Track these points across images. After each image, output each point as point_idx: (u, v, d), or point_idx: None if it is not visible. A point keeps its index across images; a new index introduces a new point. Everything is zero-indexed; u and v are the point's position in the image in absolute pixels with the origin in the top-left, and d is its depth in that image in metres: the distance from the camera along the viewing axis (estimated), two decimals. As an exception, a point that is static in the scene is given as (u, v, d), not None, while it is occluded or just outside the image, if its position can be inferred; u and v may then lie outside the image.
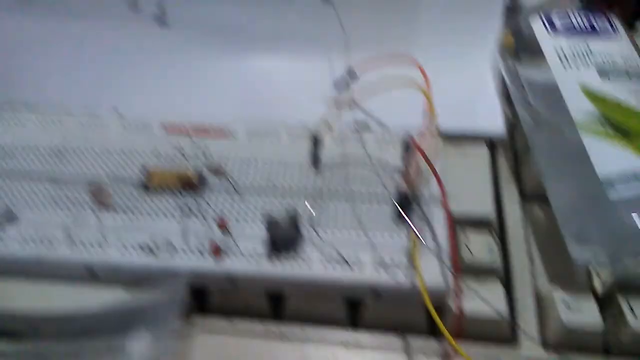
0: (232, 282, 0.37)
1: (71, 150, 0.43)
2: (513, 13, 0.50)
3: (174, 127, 0.44)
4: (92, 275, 0.37)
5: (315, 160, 0.41)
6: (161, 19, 0.48)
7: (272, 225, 0.37)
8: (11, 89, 0.46)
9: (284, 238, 0.36)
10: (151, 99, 0.46)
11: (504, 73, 0.48)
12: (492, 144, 0.46)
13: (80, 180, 0.41)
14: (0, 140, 0.43)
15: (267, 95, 0.47)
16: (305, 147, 0.43)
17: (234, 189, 0.40)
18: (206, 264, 0.37)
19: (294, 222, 0.37)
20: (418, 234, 0.37)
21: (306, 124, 0.45)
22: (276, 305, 0.39)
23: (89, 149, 0.43)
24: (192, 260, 0.37)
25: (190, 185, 0.39)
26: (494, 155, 0.46)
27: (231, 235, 0.38)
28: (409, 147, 0.40)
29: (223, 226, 0.37)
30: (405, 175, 0.40)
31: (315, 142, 0.41)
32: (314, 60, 0.48)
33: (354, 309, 0.38)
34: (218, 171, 0.41)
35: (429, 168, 0.39)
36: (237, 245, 0.37)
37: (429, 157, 0.39)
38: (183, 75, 0.48)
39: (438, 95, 0.43)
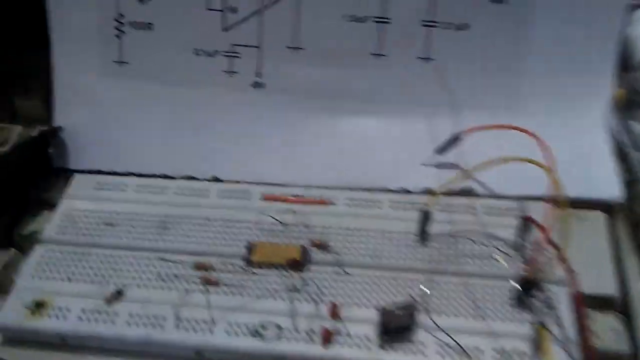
0: (341, 369, 0.36)
1: (174, 221, 0.43)
2: (625, 70, 0.47)
3: (274, 196, 0.44)
4: (200, 358, 0.37)
5: (423, 234, 0.40)
6: (257, 83, 0.48)
7: (385, 313, 0.35)
8: (112, 157, 0.47)
9: (398, 326, 0.35)
10: (249, 165, 0.46)
11: (617, 132, 0.45)
12: (608, 210, 0.43)
13: (185, 252, 0.41)
14: (105, 208, 0.44)
15: (365, 160, 0.46)
16: (409, 216, 0.41)
17: (340, 267, 0.39)
18: (315, 350, 0.36)
19: (409, 309, 0.35)
20: (544, 324, 0.34)
21: (407, 190, 0.43)
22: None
23: (191, 219, 0.42)
24: (301, 345, 0.36)
25: (296, 263, 0.38)
26: (612, 223, 0.43)
27: (341, 320, 0.36)
28: (527, 223, 0.38)
29: (335, 314, 0.36)
30: (528, 257, 0.38)
31: (425, 216, 0.39)
32: (413, 123, 0.47)
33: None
34: (323, 246, 0.40)
35: (552, 247, 0.36)
36: (347, 330, 0.36)
37: (549, 233, 0.36)
38: (279, 140, 0.47)
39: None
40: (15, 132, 0.49)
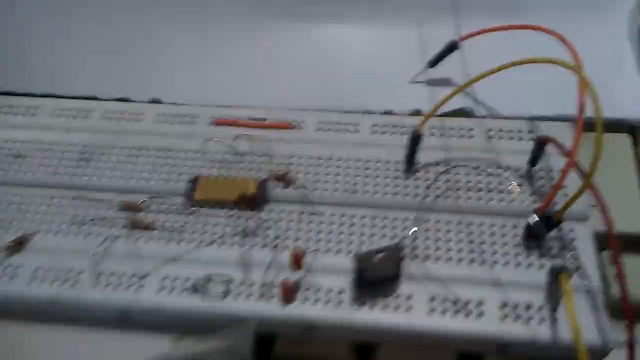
0: (308, 331, 0.28)
1: (99, 152, 0.34)
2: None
3: (226, 120, 0.35)
4: (124, 321, 0.29)
5: (412, 163, 0.32)
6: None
7: (362, 259, 0.27)
8: (25, 78, 0.38)
9: (378, 276, 0.27)
10: (195, 84, 0.37)
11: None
12: (633, 132, 0.36)
13: (111, 191, 0.32)
14: (10, 136, 0.35)
15: (340, 75, 0.37)
16: (393, 142, 0.33)
17: (307, 204, 0.31)
18: (272, 308, 0.28)
19: (392, 255, 0.27)
20: (564, 268, 0.27)
21: (391, 112, 0.35)
22: (363, 358, 0.30)
23: (121, 151, 0.34)
24: (253, 302, 0.28)
25: (251, 199, 0.30)
26: (637, 146, 0.35)
27: (306, 271, 0.29)
28: (542, 146, 0.30)
29: (298, 262, 0.28)
30: (543, 188, 0.30)
31: (414, 141, 0.31)
32: (399, 29, 0.38)
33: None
34: (286, 179, 0.32)
35: (578, 175, 0.28)
36: (314, 283, 0.28)
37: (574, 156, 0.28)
38: (232, 53, 0.38)
39: (559, 73, 0.33)
40: None
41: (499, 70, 0.30)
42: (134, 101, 0.37)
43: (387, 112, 0.36)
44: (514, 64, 0.30)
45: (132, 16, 0.39)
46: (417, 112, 0.36)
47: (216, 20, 0.39)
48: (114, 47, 0.39)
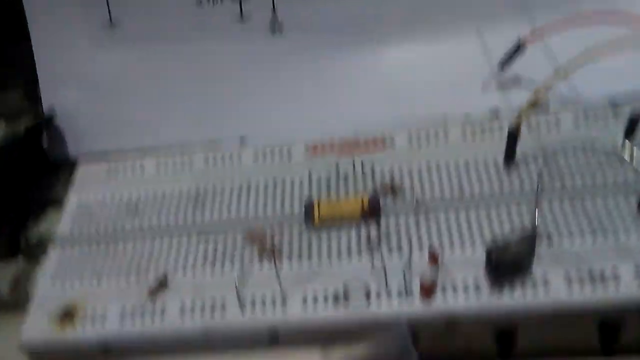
0: (451, 324, 0.30)
1: (209, 193, 0.36)
2: None
3: (321, 147, 0.37)
4: (274, 340, 0.30)
5: (510, 157, 0.34)
6: (275, 25, 0.41)
7: (496, 248, 0.29)
8: (122, 136, 0.40)
9: (513, 261, 0.29)
10: (282, 118, 0.39)
11: None
12: None
13: (230, 224, 0.34)
14: (124, 195, 0.37)
15: (415, 92, 0.39)
16: (483, 142, 0.35)
17: (421, 211, 0.32)
18: (415, 306, 0.29)
19: (524, 240, 0.29)
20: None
21: (471, 115, 0.37)
22: (504, 343, 0.31)
23: (228, 188, 0.36)
24: (396, 303, 0.29)
25: (371, 212, 0.32)
26: None
27: (439, 268, 0.30)
28: (636, 122, 0.32)
29: (435, 260, 0.30)
30: None
31: (513, 136, 0.33)
32: (462, 40, 0.40)
33: (608, 335, 0.30)
34: (394, 191, 0.34)
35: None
36: (449, 278, 0.30)
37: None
38: (311, 87, 0.40)
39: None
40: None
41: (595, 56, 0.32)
42: (225, 142, 0.39)
43: (468, 116, 0.38)
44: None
45: (209, 62, 0.41)
46: (496, 113, 0.38)
47: (282, 58, 0.42)
48: (197, 93, 0.41)
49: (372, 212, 0.31)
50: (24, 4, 0.39)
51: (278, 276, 0.30)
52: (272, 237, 0.33)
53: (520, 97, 0.38)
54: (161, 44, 0.41)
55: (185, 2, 0.40)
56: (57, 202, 0.39)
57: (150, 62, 0.41)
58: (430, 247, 0.30)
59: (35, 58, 0.40)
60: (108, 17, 0.40)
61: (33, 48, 0.40)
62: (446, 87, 0.39)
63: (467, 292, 0.29)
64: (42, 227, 0.38)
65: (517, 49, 0.38)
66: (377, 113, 0.39)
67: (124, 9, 0.40)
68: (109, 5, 0.40)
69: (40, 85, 0.41)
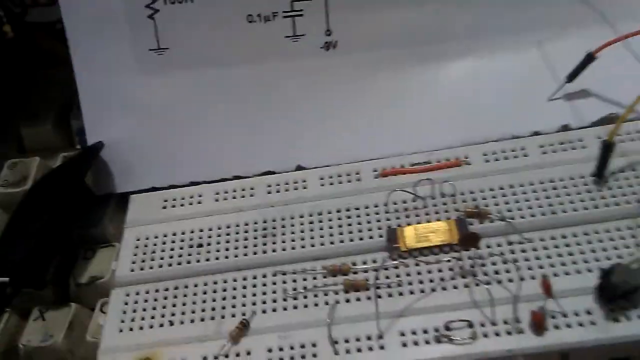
0: (564, 357, 0.27)
1: (279, 224, 0.34)
2: None
3: (393, 170, 0.35)
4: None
5: (602, 171, 0.32)
6: (329, 43, 0.39)
7: (612, 273, 0.27)
8: (166, 169, 0.38)
9: (630, 287, 0.27)
10: (340, 143, 0.37)
11: None
12: None
13: (306, 258, 0.32)
14: (184, 229, 0.34)
15: (479, 106, 0.37)
16: (566, 158, 0.34)
17: (516, 234, 0.30)
18: (529, 340, 0.27)
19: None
20: None
21: (537, 132, 0.36)
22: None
23: (299, 217, 0.34)
24: (506, 338, 0.27)
25: (470, 238, 0.30)
26: None
27: (551, 297, 0.28)
28: None
29: (547, 289, 0.28)
30: None
31: (607, 149, 0.31)
32: (523, 53, 0.38)
33: None
34: (480, 214, 0.32)
35: None
36: (559, 308, 0.28)
37: None
38: (372, 106, 0.38)
39: None
40: (34, 165, 0.40)
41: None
42: (284, 167, 0.37)
43: (535, 133, 0.36)
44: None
45: (261, 82, 0.39)
46: (565, 127, 0.36)
47: (338, 75, 0.40)
48: (250, 115, 0.39)
49: (470, 238, 0.29)
50: (66, 28, 0.37)
51: (377, 313, 0.28)
52: (355, 271, 0.31)
53: (589, 110, 0.37)
54: (211, 66, 0.38)
55: (235, 20, 0.38)
56: (104, 242, 0.36)
57: (199, 86, 0.38)
58: (543, 276, 0.28)
59: (77, 85, 0.38)
60: (155, 40, 0.38)
61: (75, 74, 0.37)
62: (511, 102, 0.38)
63: (580, 323, 0.27)
64: (93, 269, 0.35)
65: (587, 61, 0.37)
66: (440, 130, 0.37)
67: (172, 32, 0.38)
68: (157, 27, 0.38)
69: (83, 114, 0.38)
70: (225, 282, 0.32)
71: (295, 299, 0.30)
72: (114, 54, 0.38)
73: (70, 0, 0.37)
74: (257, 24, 0.38)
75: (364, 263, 0.31)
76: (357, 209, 0.33)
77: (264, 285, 0.31)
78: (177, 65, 0.38)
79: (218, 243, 0.33)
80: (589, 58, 0.37)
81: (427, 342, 0.28)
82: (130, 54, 0.38)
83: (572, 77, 0.37)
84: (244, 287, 0.31)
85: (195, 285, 0.32)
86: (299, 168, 0.37)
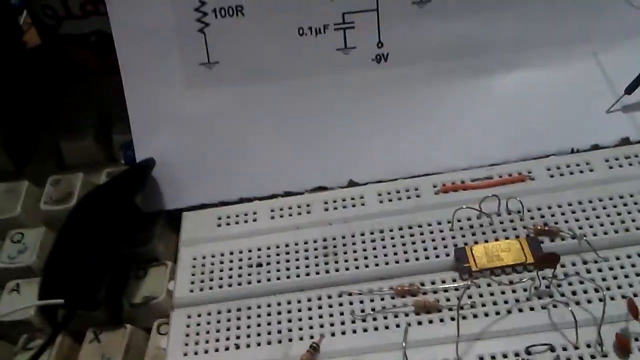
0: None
1: (339, 242, 0.33)
2: None
3: (455, 186, 0.34)
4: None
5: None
6: (380, 55, 0.38)
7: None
8: (217, 186, 0.37)
9: None
10: (395, 156, 0.36)
11: None
12: None
13: (372, 278, 0.31)
14: (241, 247, 0.34)
15: (535, 119, 0.37)
16: (632, 173, 0.33)
17: (593, 252, 0.30)
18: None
19: None
20: None
21: (597, 146, 0.35)
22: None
23: (359, 235, 0.33)
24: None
25: (548, 259, 0.29)
26: None
27: (637, 319, 0.27)
28: None
29: (635, 311, 0.27)
30: None
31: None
32: (577, 63, 0.38)
33: None
34: (551, 232, 0.31)
35: None
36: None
37: None
38: (422, 118, 0.37)
39: None
40: (78, 181, 0.39)
41: None
42: (336, 183, 0.36)
43: (594, 147, 0.36)
44: None
45: (312, 96, 0.38)
46: (626, 140, 0.36)
47: (389, 88, 0.39)
48: (301, 131, 0.38)
49: (549, 259, 0.28)
50: (116, 41, 0.36)
51: (457, 336, 0.27)
52: (425, 292, 0.30)
53: None
54: (261, 79, 0.37)
55: (286, 33, 0.37)
56: (154, 260, 0.35)
57: (248, 99, 0.38)
58: (629, 296, 0.27)
59: (126, 99, 0.37)
60: (206, 53, 0.37)
61: (124, 89, 0.36)
62: (568, 114, 0.37)
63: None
64: (146, 289, 0.34)
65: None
66: (496, 144, 0.36)
67: (222, 45, 0.37)
68: (207, 41, 0.37)
69: (132, 129, 0.37)
70: (289, 303, 0.31)
71: (364, 320, 0.29)
72: (164, 68, 0.37)
73: (120, 13, 0.36)
74: (308, 36, 0.37)
75: (433, 283, 0.30)
76: (420, 226, 0.33)
77: (330, 306, 0.30)
78: (228, 79, 0.37)
79: (278, 262, 0.33)
80: (653, 70, 0.36)
81: (507, 366, 0.27)
82: (181, 68, 0.37)
83: (631, 89, 0.37)
84: (309, 309, 0.30)
85: (259, 307, 0.31)
86: (351, 183, 0.37)
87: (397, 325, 0.29)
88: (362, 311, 0.30)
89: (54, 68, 0.47)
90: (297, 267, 0.32)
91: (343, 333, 0.29)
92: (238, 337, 0.30)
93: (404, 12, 0.37)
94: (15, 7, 0.51)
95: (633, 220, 0.31)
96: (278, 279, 0.32)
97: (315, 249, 0.33)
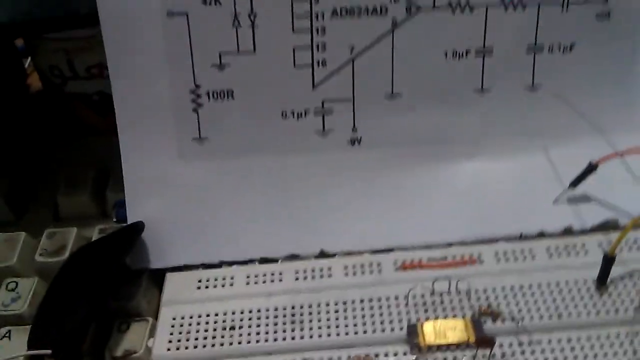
0: None
1: (305, 311, 0.36)
2: None
3: (413, 264, 0.38)
4: None
5: (603, 278, 0.35)
6: (354, 139, 0.43)
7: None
8: (200, 248, 0.40)
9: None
10: (361, 231, 0.40)
11: None
12: None
13: (333, 346, 0.34)
14: (217, 310, 0.37)
15: (489, 207, 0.41)
16: (572, 263, 0.37)
17: (527, 335, 0.33)
18: None
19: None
20: None
21: (543, 234, 0.39)
22: None
23: (324, 306, 0.36)
24: None
25: (486, 340, 0.33)
26: None
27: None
28: None
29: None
30: None
31: (609, 259, 0.34)
32: (528, 157, 0.42)
33: None
34: (493, 313, 0.35)
35: None
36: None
37: None
38: (390, 198, 0.42)
39: None
40: (72, 236, 0.42)
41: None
42: (307, 254, 0.40)
43: (540, 234, 0.40)
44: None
45: (291, 174, 0.43)
46: (568, 229, 0.40)
47: (361, 169, 0.43)
48: (279, 204, 0.42)
49: (485, 341, 0.32)
50: (117, 114, 0.40)
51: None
52: (380, 362, 0.33)
53: (591, 214, 0.41)
54: (245, 155, 0.42)
55: (270, 116, 0.41)
56: (137, 315, 0.38)
57: (233, 172, 0.42)
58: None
59: (123, 167, 0.41)
60: (197, 131, 0.41)
61: (122, 159, 0.40)
62: (518, 203, 0.41)
63: None
64: (127, 343, 0.37)
65: (589, 170, 0.40)
66: (454, 224, 0.40)
67: (212, 124, 0.41)
68: (199, 119, 0.41)
69: (126, 192, 0.41)
70: (257, 366, 0.34)
71: (324, 387, 0.33)
72: (159, 140, 0.41)
73: (124, 92, 0.40)
74: (290, 119, 0.42)
75: (386, 355, 0.34)
76: (379, 299, 0.36)
77: (301, 375, 0.34)
78: (216, 154, 0.42)
79: (249, 327, 0.36)
80: (591, 167, 0.40)
81: None
82: (174, 141, 0.41)
83: (575, 183, 0.41)
84: (276, 376, 0.34)
85: (228, 370, 0.34)
86: (322, 253, 0.40)
87: (353, 393, 0.33)
88: (323, 378, 0.33)
89: (57, 123, 0.51)
90: (267, 332, 0.36)
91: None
92: (210, 396, 0.33)
93: (377, 103, 0.42)
94: (20, 51, 0.54)
95: (566, 307, 0.35)
96: (248, 342, 0.35)
97: (284, 316, 0.36)
